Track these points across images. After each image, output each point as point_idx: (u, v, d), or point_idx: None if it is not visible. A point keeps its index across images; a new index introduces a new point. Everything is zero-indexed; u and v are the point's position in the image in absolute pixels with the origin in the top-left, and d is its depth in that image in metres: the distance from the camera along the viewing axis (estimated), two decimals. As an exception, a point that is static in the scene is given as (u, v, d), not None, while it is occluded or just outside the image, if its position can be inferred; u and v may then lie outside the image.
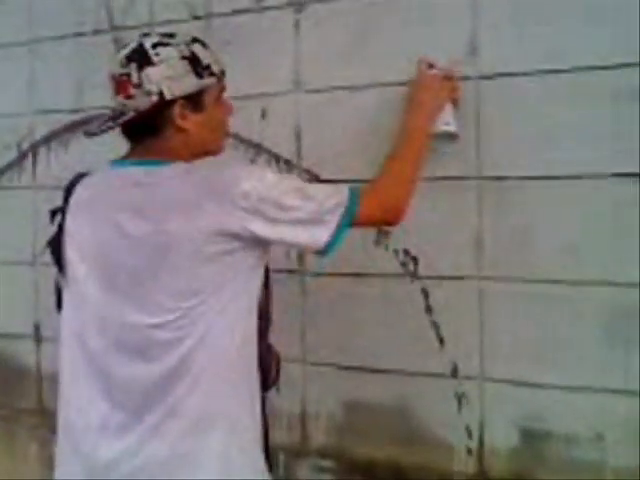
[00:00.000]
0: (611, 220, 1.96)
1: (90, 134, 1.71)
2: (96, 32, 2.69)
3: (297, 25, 2.32)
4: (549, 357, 2.04)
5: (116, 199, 1.63)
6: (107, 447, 1.61)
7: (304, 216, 1.60)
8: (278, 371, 1.87)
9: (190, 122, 1.64)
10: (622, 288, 1.95)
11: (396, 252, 2.20)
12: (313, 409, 2.38)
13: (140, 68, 1.59)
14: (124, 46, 1.65)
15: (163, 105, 1.60)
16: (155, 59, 1.60)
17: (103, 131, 1.67)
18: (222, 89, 1.73)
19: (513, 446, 2.09)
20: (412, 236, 2.14)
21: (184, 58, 1.62)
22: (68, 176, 2.70)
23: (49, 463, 2.85)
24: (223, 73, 1.72)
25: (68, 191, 1.76)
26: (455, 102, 2.03)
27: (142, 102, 1.60)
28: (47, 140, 2.84)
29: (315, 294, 2.34)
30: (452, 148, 2.09)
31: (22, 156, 2.92)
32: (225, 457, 1.60)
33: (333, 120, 2.26)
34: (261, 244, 1.61)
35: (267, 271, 1.75)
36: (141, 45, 1.62)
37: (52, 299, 2.78)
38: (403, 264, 2.19)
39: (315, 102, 2.28)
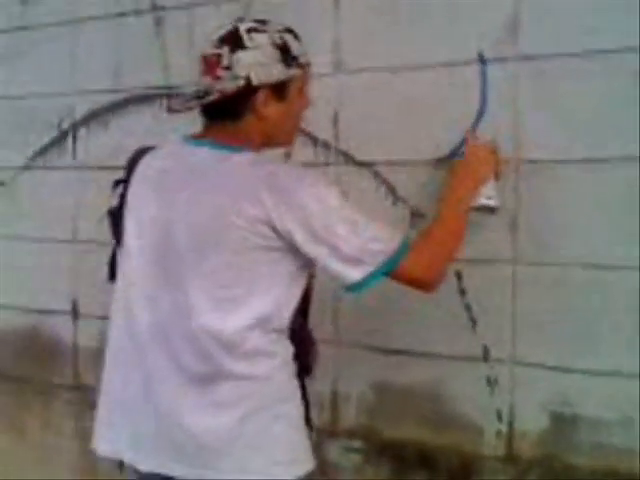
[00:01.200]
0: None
1: (173, 110, 1.76)
2: (137, 12, 2.72)
3: (337, 5, 2.32)
4: (580, 341, 2.03)
5: (183, 179, 1.65)
6: (149, 420, 1.64)
7: (346, 249, 1.58)
8: (316, 358, 1.87)
9: (271, 110, 1.66)
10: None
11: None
12: (344, 390, 2.40)
13: (232, 51, 1.61)
14: (219, 28, 1.67)
15: (249, 90, 1.62)
16: (248, 44, 1.61)
17: (186, 109, 1.71)
18: (306, 81, 1.74)
19: (543, 430, 2.09)
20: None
21: (276, 46, 1.63)
22: (108, 156, 2.79)
23: (85, 437, 2.90)
24: (309, 65, 1.74)
25: (132, 163, 1.79)
26: (497, 176, 2.01)
27: (229, 85, 1.61)
28: (87, 120, 2.88)
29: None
30: (488, 130, 2.09)
31: (62, 136, 2.96)
32: (272, 435, 1.63)
33: (372, 102, 2.27)
34: (303, 255, 1.61)
35: None
36: (236, 29, 1.63)
37: (92, 276, 2.86)
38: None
39: (355, 83, 2.28)
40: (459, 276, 2.17)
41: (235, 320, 1.58)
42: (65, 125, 2.95)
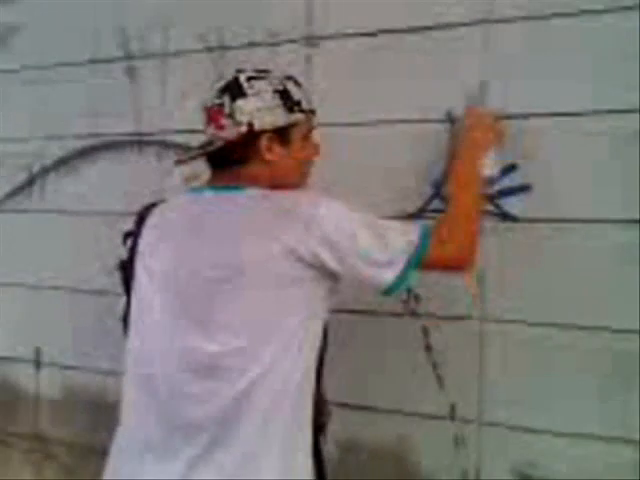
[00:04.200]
0: (613, 267, 1.95)
1: (179, 162, 1.80)
2: (110, 60, 2.72)
3: (309, 60, 2.34)
4: (547, 403, 2.02)
5: (192, 225, 1.65)
6: (155, 470, 1.59)
7: (374, 253, 1.57)
8: (329, 416, 1.86)
9: (276, 155, 1.66)
10: (622, 335, 1.94)
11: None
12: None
13: (233, 99, 1.63)
14: (219, 79, 1.70)
15: (252, 136, 1.63)
16: (249, 91, 1.63)
17: (190, 159, 1.73)
18: (311, 128, 1.75)
19: (509, 492, 2.06)
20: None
21: (276, 92, 1.65)
22: (76, 201, 2.76)
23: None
24: (313, 112, 1.75)
25: (142, 215, 1.78)
26: (499, 145, 1.96)
27: (232, 132, 1.63)
28: (57, 165, 2.86)
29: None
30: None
31: (32, 180, 2.93)
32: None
33: (341, 155, 2.26)
34: (331, 276, 1.60)
35: None
36: (236, 79, 1.66)
37: (56, 323, 2.82)
38: (404, 302, 2.18)
39: (323, 136, 2.27)
40: (426, 332, 2.16)
41: (262, 360, 1.54)
42: (35, 169, 2.92)
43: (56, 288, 2.86)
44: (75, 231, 2.81)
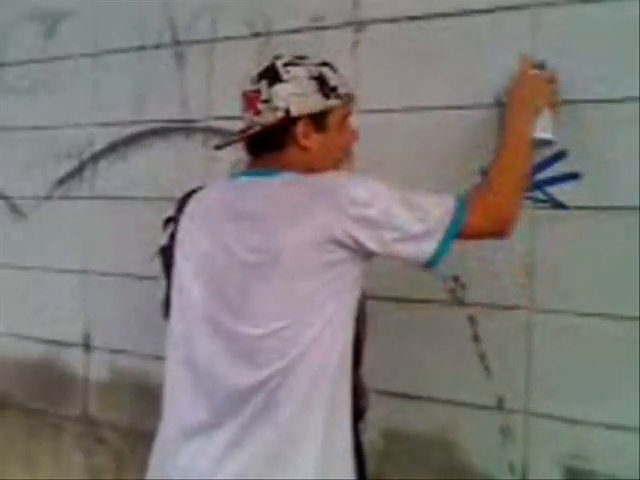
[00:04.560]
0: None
1: (217, 147, 1.83)
2: (158, 46, 2.73)
3: (356, 45, 2.31)
4: (596, 394, 1.98)
5: (228, 210, 1.66)
6: (194, 451, 1.62)
7: (411, 226, 1.57)
8: (368, 402, 1.88)
9: (313, 141, 1.67)
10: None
11: (444, 278, 2.16)
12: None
13: (270, 85, 1.65)
14: (258, 66, 1.72)
15: (288, 121, 1.64)
16: (285, 77, 1.65)
17: (229, 144, 1.78)
18: (347, 114, 1.75)
19: (556, 484, 2.03)
20: (462, 263, 2.10)
21: (312, 78, 1.66)
22: (126, 188, 2.79)
23: (92, 471, 2.89)
24: (350, 97, 1.75)
25: (182, 202, 1.80)
26: (554, 107, 1.91)
27: (269, 117, 1.64)
28: (106, 152, 2.88)
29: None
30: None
31: (82, 166, 2.95)
32: (319, 465, 1.57)
33: (388, 141, 2.24)
34: (366, 255, 1.60)
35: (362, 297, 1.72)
36: (273, 64, 1.68)
37: (104, 308, 2.85)
38: (451, 291, 2.15)
39: (371, 122, 2.25)
40: (473, 321, 2.12)
41: (302, 342, 1.56)
42: (85, 156, 2.95)
43: (105, 274, 2.89)
44: (123, 217, 2.83)
